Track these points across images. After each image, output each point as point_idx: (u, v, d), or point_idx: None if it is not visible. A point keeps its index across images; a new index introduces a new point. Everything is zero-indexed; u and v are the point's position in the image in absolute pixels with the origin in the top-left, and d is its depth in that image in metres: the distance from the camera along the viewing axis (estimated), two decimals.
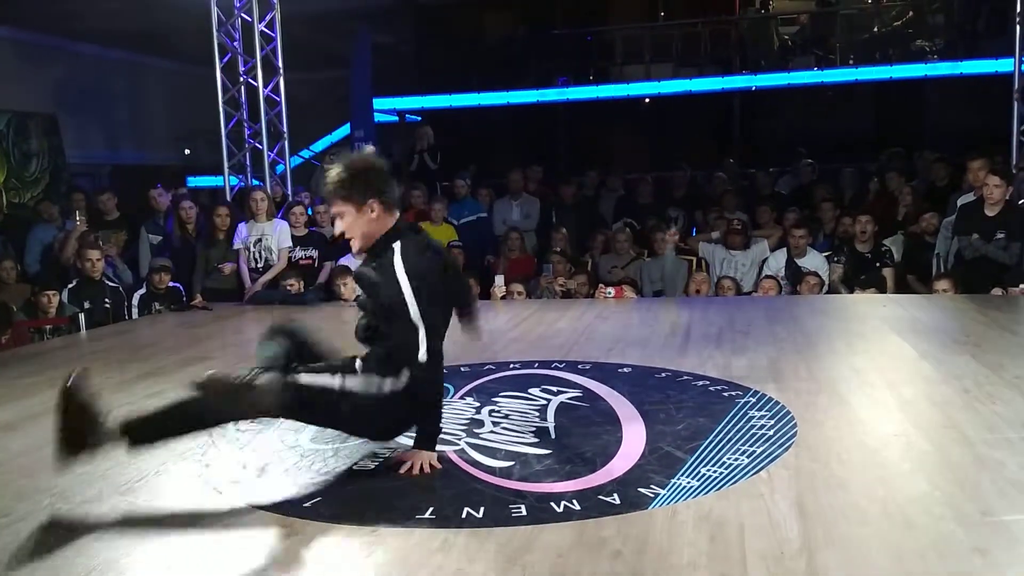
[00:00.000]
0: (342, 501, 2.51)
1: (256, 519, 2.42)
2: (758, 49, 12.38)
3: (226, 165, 7.49)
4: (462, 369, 4.10)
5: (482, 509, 2.38)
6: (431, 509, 2.39)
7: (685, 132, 12.43)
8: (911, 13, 11.93)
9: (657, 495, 2.44)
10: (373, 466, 2.80)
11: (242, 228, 6.60)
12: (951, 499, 2.34)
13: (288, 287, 6.35)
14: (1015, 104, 6.19)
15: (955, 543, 2.07)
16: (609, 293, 6.26)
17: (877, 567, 1.94)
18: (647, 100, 12.70)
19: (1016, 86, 6.19)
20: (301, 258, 6.70)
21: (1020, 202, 5.89)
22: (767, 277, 6.47)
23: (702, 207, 8.44)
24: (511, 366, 4.16)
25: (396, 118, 12.89)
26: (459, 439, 3.03)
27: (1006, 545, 2.05)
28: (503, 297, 6.39)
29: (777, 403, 3.29)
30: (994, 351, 3.99)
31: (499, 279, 6.47)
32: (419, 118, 12.49)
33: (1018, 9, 6.16)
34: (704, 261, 7.17)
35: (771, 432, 2.95)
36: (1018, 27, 6.17)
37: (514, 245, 7.54)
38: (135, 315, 6.33)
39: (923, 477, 2.51)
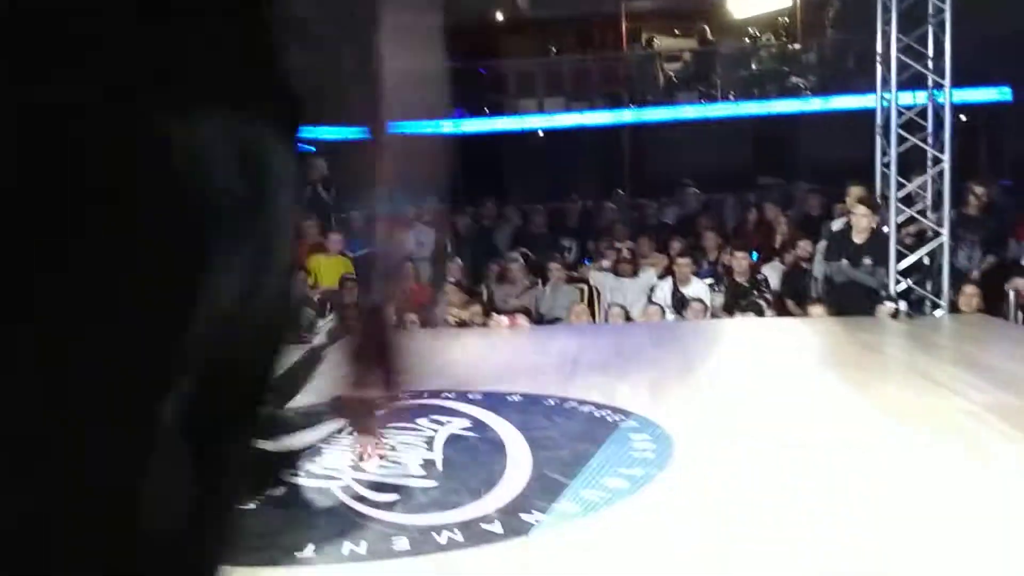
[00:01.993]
0: None
1: None
2: (645, 84, 12.85)
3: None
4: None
5: (364, 544, 2.36)
6: (311, 547, 2.36)
7: (577, 164, 12.73)
8: (787, 51, 12.64)
9: (538, 521, 2.47)
10: (254, 505, 2.74)
11: None
12: (820, 514, 2.46)
13: None
14: (877, 138, 6.62)
15: (827, 551, 2.18)
16: (503, 322, 6.32)
17: None
18: (540, 133, 12.96)
19: (878, 121, 6.62)
20: None
21: (884, 229, 6.28)
22: (652, 303, 6.68)
23: (594, 237, 8.65)
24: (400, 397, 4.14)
25: None
26: (343, 474, 2.99)
27: (875, 556, 2.17)
28: None
29: (656, 426, 3.39)
30: (860, 370, 4.23)
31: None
32: (313, 148, 12.34)
33: (879, 49, 6.59)
34: (595, 289, 7.33)
35: (651, 454, 3.04)
36: (879, 66, 6.61)
37: (409, 275, 7.52)
38: None
39: (797, 492, 2.63)
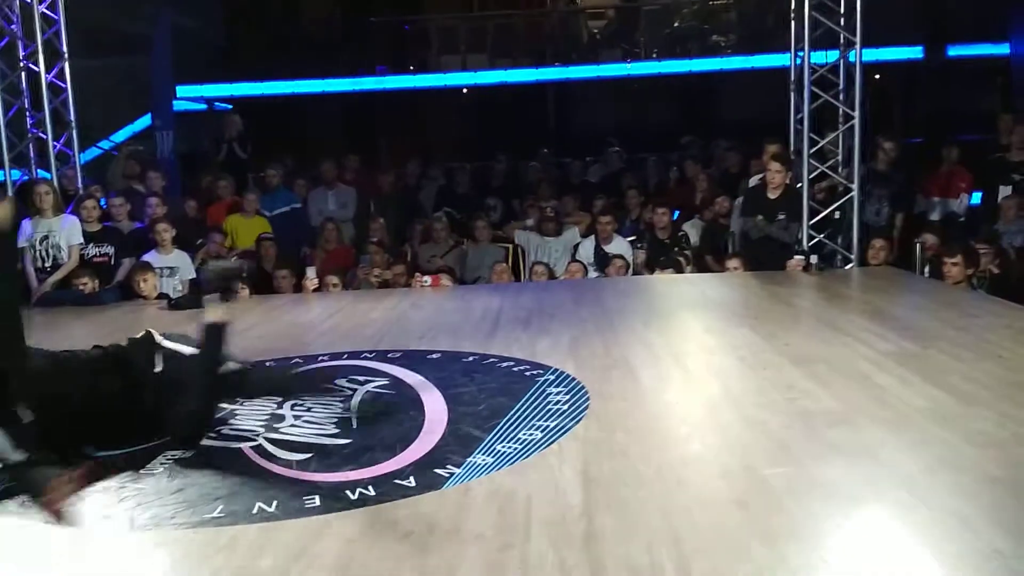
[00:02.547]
0: (123, 509, 2.39)
1: (30, 533, 2.25)
2: (569, 42, 12.79)
3: (6, 157, 6.87)
4: (267, 364, 3.99)
5: (275, 503, 2.35)
6: (220, 508, 2.33)
7: (502, 122, 12.65)
8: (708, 9, 12.73)
9: (452, 474, 2.49)
10: (161, 469, 2.69)
11: (26, 225, 6.07)
12: (720, 457, 2.55)
13: (80, 286, 5.92)
14: (791, 95, 6.75)
15: (719, 497, 2.26)
16: (426, 282, 6.29)
17: (648, 525, 2.09)
18: (465, 90, 12.82)
19: (792, 78, 6.75)
20: (95, 255, 6.26)
21: (798, 185, 6.43)
22: (574, 261, 6.73)
23: (519, 195, 8.64)
24: (319, 359, 4.10)
25: (205, 106, 12.29)
26: (257, 435, 2.96)
27: (763, 495, 2.25)
28: (316, 289, 6.27)
29: (574, 379, 3.44)
30: (770, 322, 4.35)
31: (310, 271, 6.35)
32: (230, 106, 11.98)
33: (792, 7, 6.69)
34: (520, 248, 7.34)
35: (566, 407, 3.08)
36: (793, 24, 6.71)
37: (330, 236, 7.39)
38: None
39: (696, 440, 2.71)
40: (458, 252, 7.28)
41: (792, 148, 6.79)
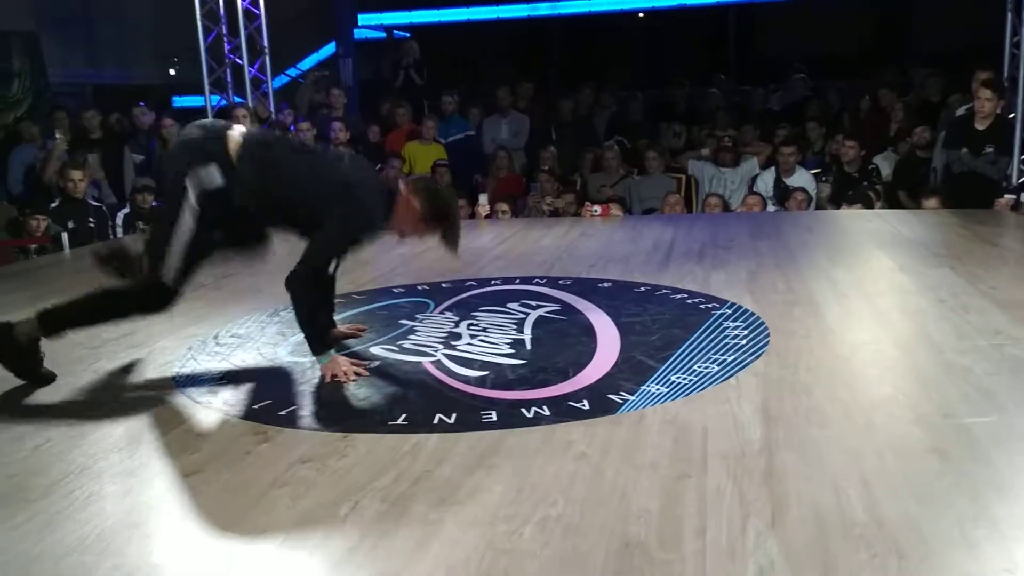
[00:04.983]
0: (316, 409, 2.55)
1: (230, 426, 2.46)
2: None
3: (206, 82, 7.35)
4: (443, 286, 4.11)
5: (454, 416, 2.42)
6: (404, 416, 2.44)
7: (680, 47, 12.19)
8: None
9: (626, 401, 2.47)
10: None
11: None
12: (914, 403, 2.38)
13: None
14: (1008, 15, 6.05)
15: (913, 444, 2.11)
16: (595, 211, 6.24)
17: (833, 466, 1.99)
18: (641, 14, 12.41)
19: None
20: None
21: (1010, 116, 5.82)
22: (753, 193, 6.45)
23: (696, 123, 8.34)
24: (492, 282, 4.18)
25: (384, 35, 12.60)
26: (436, 351, 3.06)
27: (965, 445, 2.09)
28: (488, 216, 6.37)
29: (752, 314, 3.32)
30: (972, 263, 4.00)
31: (483, 198, 6.44)
32: (407, 34, 12.21)
33: None
34: (693, 179, 7.12)
35: (744, 342, 2.98)
36: None
37: (502, 164, 7.47)
38: (119, 234, 6.31)
39: (888, 382, 2.55)
40: (629, 182, 7.15)
41: (1006, 75, 6.13)
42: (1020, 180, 5.77)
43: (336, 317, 3.35)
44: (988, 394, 2.40)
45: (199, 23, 7.37)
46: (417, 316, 3.55)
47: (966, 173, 5.72)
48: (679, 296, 3.73)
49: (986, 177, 5.70)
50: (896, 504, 1.79)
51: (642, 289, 3.90)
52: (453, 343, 3.14)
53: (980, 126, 5.72)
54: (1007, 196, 5.58)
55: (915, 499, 1.82)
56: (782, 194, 6.46)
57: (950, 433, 2.16)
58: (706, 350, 2.91)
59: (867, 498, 1.82)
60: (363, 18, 11.37)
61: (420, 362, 2.94)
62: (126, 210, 6.45)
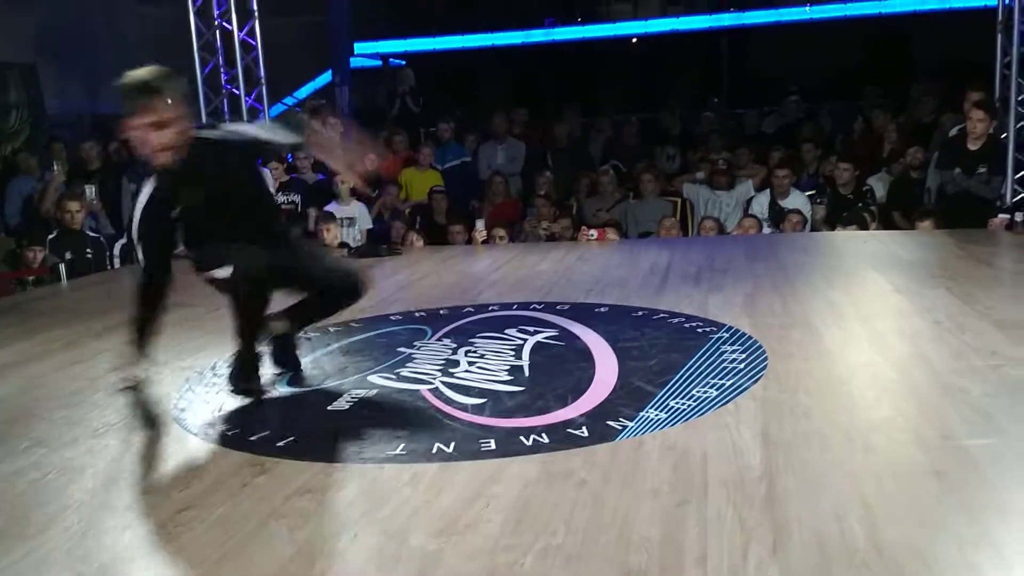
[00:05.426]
0: (314, 440, 2.54)
1: (228, 458, 2.45)
2: None
3: (203, 112, 7.39)
4: (441, 312, 4.12)
5: (452, 444, 2.42)
6: (401, 446, 2.43)
7: (673, 72, 12.30)
8: None
9: (625, 427, 2.47)
10: (348, 406, 2.83)
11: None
12: (913, 425, 2.38)
13: None
14: (998, 36, 6.12)
15: (913, 467, 2.11)
16: (592, 235, 6.27)
17: (834, 490, 1.98)
18: (634, 40, 12.53)
19: (1000, 18, 6.11)
20: (283, 203, 6.68)
21: (1002, 136, 5.86)
22: (748, 216, 6.48)
23: (691, 147, 8.39)
24: (489, 308, 4.18)
25: (380, 62, 12.71)
26: (434, 378, 3.05)
27: (964, 467, 2.09)
28: (484, 241, 6.39)
29: (750, 338, 3.32)
30: (968, 284, 4.01)
31: (479, 223, 6.47)
32: (403, 62, 12.31)
33: None
34: (688, 202, 7.15)
35: (742, 365, 2.98)
36: None
37: (498, 189, 7.50)
38: (117, 265, 6.31)
39: (887, 404, 2.55)
40: (624, 206, 7.18)
41: (997, 95, 6.19)
42: (1014, 200, 5.81)
43: (335, 345, 3.35)
44: (986, 415, 2.40)
45: (196, 55, 7.43)
46: (414, 343, 3.55)
47: (960, 193, 5.76)
48: (676, 320, 3.73)
49: (980, 197, 5.73)
50: (897, 528, 1.79)
51: (639, 313, 3.90)
52: (451, 370, 3.14)
53: (973, 146, 5.76)
54: (1001, 216, 5.61)
55: (916, 523, 1.82)
56: (777, 216, 6.49)
57: (949, 455, 2.16)
58: (704, 375, 2.91)
59: (868, 523, 1.81)
60: (359, 47, 11.48)
61: (418, 390, 2.94)
62: (123, 240, 6.46)
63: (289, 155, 7.30)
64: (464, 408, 2.73)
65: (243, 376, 2.94)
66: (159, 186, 2.72)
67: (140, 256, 2.75)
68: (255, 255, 2.72)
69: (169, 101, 2.64)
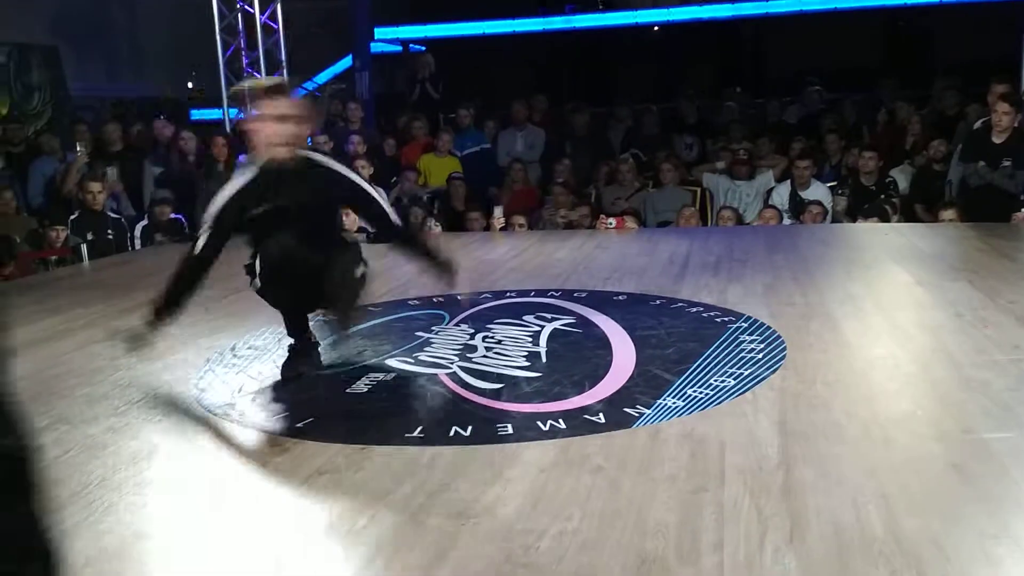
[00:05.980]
0: (334, 422, 2.56)
1: (248, 438, 2.47)
2: None
3: (225, 95, 7.42)
4: (459, 298, 4.12)
5: (470, 428, 2.43)
6: (420, 428, 2.44)
7: (694, 61, 12.21)
8: None
9: (642, 414, 2.47)
10: (366, 389, 2.85)
11: (243, 160, 6.57)
12: (933, 418, 2.37)
13: None
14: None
15: (931, 459, 2.10)
16: (610, 223, 6.25)
17: (851, 481, 1.98)
18: (655, 28, 12.43)
19: None
20: None
21: None
22: (768, 207, 6.43)
23: (710, 136, 8.34)
24: (508, 295, 4.18)
25: (400, 48, 12.67)
26: (452, 363, 3.06)
27: (984, 460, 2.08)
28: (503, 228, 6.38)
29: (768, 328, 3.31)
30: (991, 277, 3.98)
31: (498, 210, 6.46)
32: (423, 48, 12.28)
33: None
34: (708, 192, 7.11)
35: (760, 355, 2.97)
36: None
37: (517, 176, 7.48)
38: (137, 246, 6.37)
39: (907, 397, 2.53)
40: (643, 194, 7.15)
41: (1023, 89, 6.10)
42: None
43: (357, 328, 3.37)
44: (1007, 409, 2.38)
45: (218, 37, 7.45)
46: (433, 328, 3.57)
47: (983, 187, 5.68)
48: (695, 309, 3.72)
49: (1004, 191, 5.66)
50: (915, 520, 1.78)
51: (658, 302, 3.89)
52: (469, 355, 3.15)
53: (997, 140, 5.68)
54: None
55: (935, 515, 1.81)
56: (797, 207, 6.44)
57: (969, 449, 2.15)
58: (722, 364, 2.91)
59: (886, 514, 1.81)
60: (379, 32, 11.44)
61: (436, 374, 2.95)
62: (145, 222, 6.52)
63: (308, 137, 7.31)
64: (482, 392, 2.74)
65: (292, 363, 3.00)
66: (257, 180, 2.80)
67: (204, 238, 2.77)
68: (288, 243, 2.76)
69: (294, 101, 2.81)
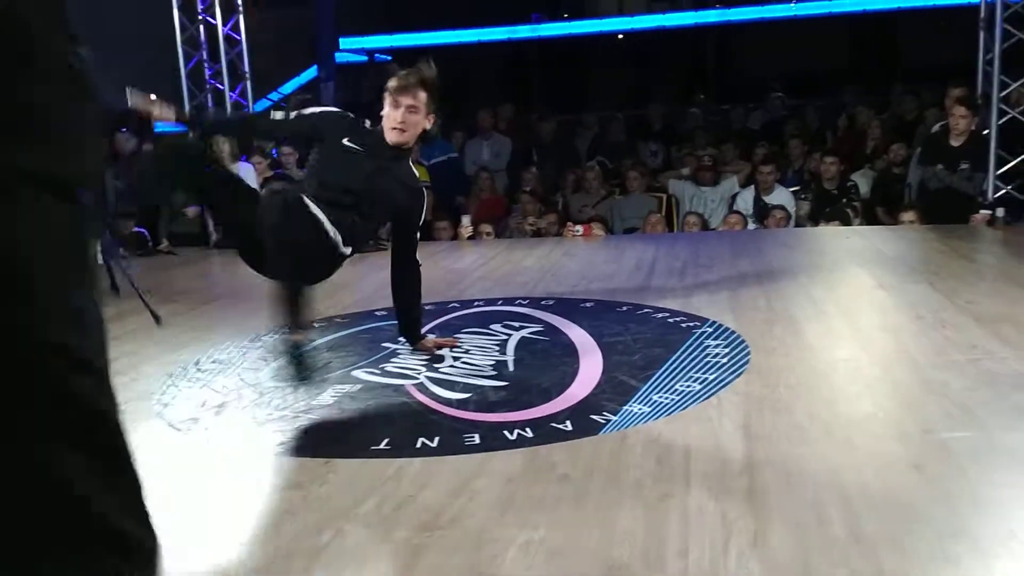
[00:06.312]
0: (298, 435, 2.54)
1: (211, 454, 2.44)
2: None
3: (187, 107, 7.34)
4: (426, 307, 4.10)
5: (436, 439, 2.42)
6: (386, 440, 2.43)
7: (659, 69, 12.33)
8: None
9: (608, 421, 2.48)
10: (332, 401, 2.83)
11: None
12: (894, 419, 2.40)
13: None
14: (980, 33, 6.17)
15: (893, 459, 2.13)
16: (577, 231, 6.27)
17: (814, 482, 2.00)
18: (620, 36, 12.55)
19: (982, 15, 6.16)
20: None
21: (984, 132, 5.91)
22: (733, 212, 6.50)
23: (675, 143, 8.42)
24: (475, 304, 4.18)
25: (365, 58, 12.66)
26: (419, 373, 3.06)
27: (943, 460, 2.11)
28: (470, 237, 6.38)
29: (733, 332, 3.34)
30: (950, 278, 4.05)
31: (465, 219, 6.46)
32: (389, 57, 12.27)
33: None
34: (674, 198, 7.17)
35: (724, 360, 3.00)
36: None
37: (484, 185, 7.49)
38: (99, 260, 6.27)
39: (868, 399, 2.57)
40: (610, 202, 7.19)
41: (979, 92, 6.24)
42: (996, 196, 5.86)
43: (319, 340, 3.34)
44: (965, 409, 2.42)
45: (179, 49, 7.38)
46: (399, 339, 3.55)
47: (942, 189, 5.80)
48: (661, 315, 3.75)
49: (962, 193, 5.78)
50: (876, 521, 1.81)
51: (624, 308, 3.92)
52: (436, 365, 3.14)
53: (955, 143, 5.80)
54: (983, 211, 5.66)
55: (895, 515, 1.83)
56: (761, 212, 6.52)
57: (929, 449, 2.18)
58: (688, 369, 2.93)
59: (848, 515, 1.83)
60: (344, 42, 11.44)
61: (403, 385, 2.94)
62: (107, 235, 6.42)
63: (274, 150, 7.27)
64: (449, 403, 2.73)
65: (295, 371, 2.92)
66: (356, 135, 3.13)
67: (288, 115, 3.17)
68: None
69: (428, 101, 3.17)
